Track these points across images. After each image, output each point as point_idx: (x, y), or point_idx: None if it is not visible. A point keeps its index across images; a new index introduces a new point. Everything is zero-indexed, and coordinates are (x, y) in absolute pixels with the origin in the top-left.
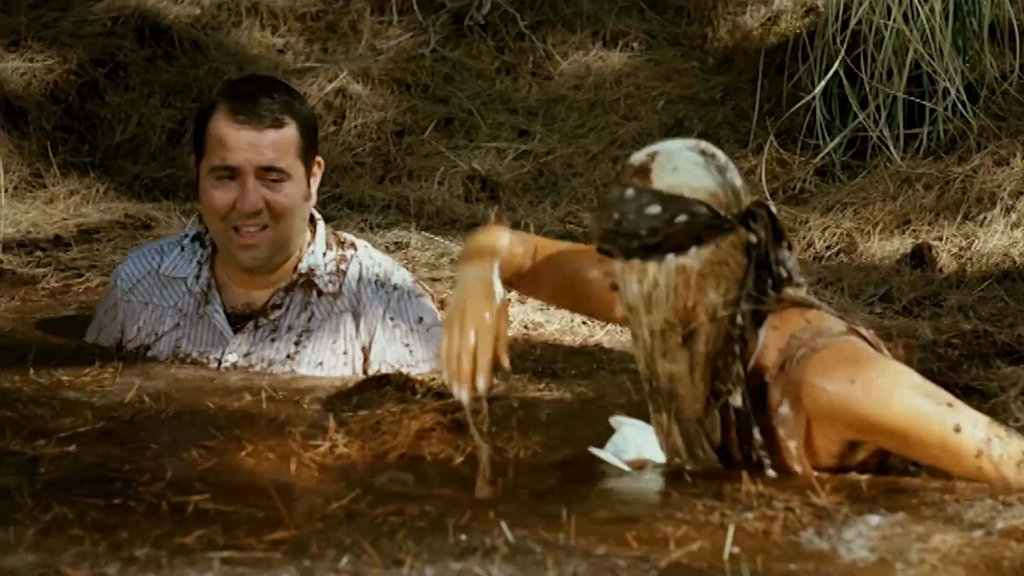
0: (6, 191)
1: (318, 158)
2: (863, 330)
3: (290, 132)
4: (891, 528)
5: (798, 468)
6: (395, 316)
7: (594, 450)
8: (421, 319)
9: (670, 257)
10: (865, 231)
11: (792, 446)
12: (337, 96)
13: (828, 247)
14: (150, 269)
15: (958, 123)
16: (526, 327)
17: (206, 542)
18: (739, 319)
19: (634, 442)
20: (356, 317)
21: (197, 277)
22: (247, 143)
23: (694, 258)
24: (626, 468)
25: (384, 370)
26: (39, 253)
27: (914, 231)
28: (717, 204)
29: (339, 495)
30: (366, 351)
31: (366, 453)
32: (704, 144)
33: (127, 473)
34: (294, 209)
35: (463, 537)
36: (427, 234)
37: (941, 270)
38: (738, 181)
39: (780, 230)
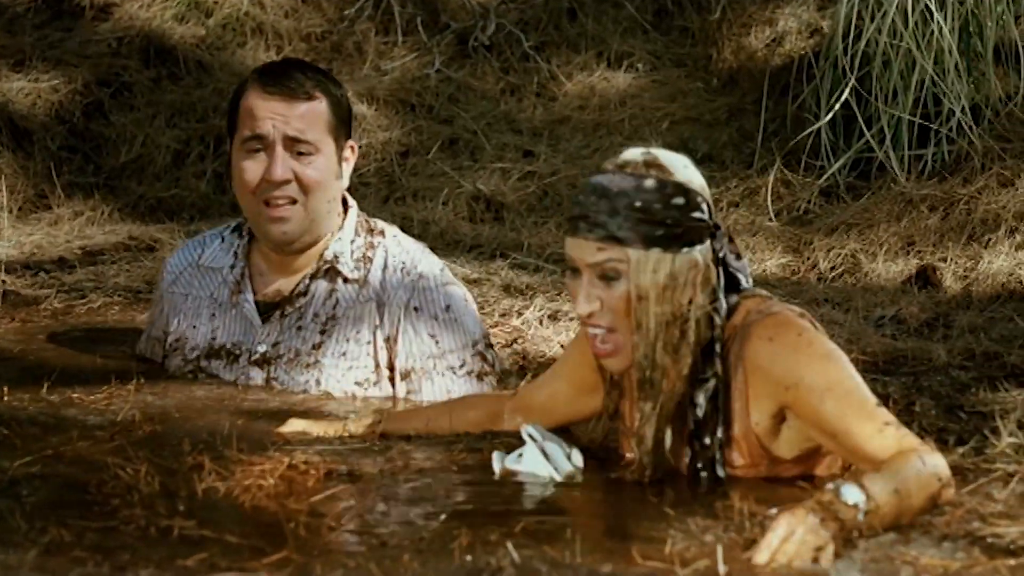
0: (11, 212)
1: (351, 143)
2: (816, 324)
3: (320, 106)
4: (880, 550)
5: (739, 458)
6: (420, 306)
7: (495, 456)
8: (448, 307)
9: (686, 250)
10: (870, 252)
11: (738, 423)
12: None
13: (832, 268)
14: (191, 261)
15: (963, 144)
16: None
17: (208, 565)
18: (717, 319)
19: (532, 454)
20: (380, 306)
21: (232, 267)
22: (276, 112)
23: (700, 255)
24: (496, 474)
25: (412, 364)
26: (43, 275)
27: (919, 252)
28: (712, 208)
29: (335, 518)
30: (390, 343)
31: (355, 476)
32: None
33: (105, 495)
34: (323, 184)
35: (468, 558)
36: None
37: (946, 291)
38: None
39: (732, 240)
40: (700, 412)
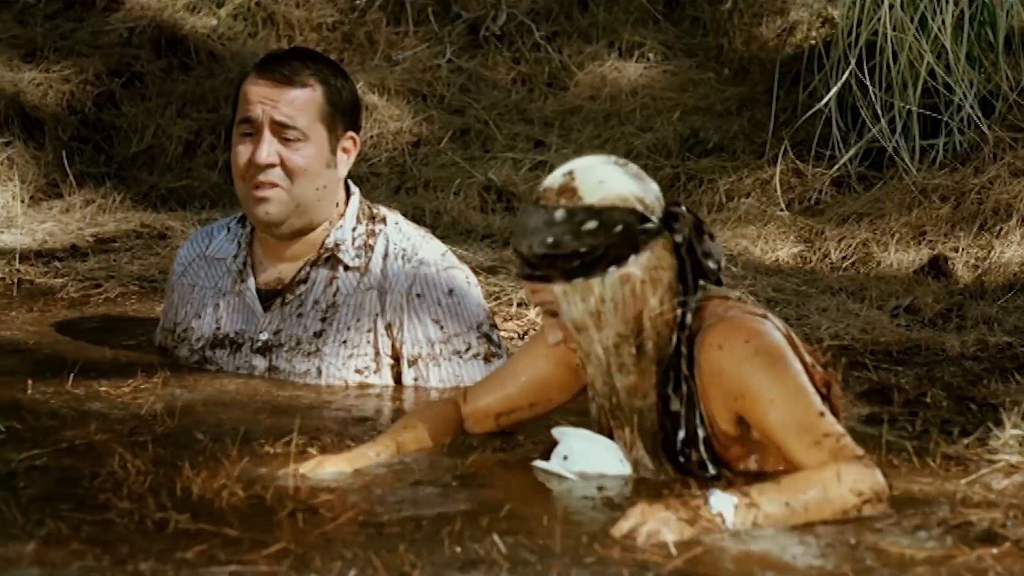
0: (22, 201)
1: (352, 134)
2: (779, 322)
3: (311, 94)
4: (839, 535)
5: (727, 451)
6: (422, 292)
7: (540, 463)
8: (451, 291)
9: (612, 269)
10: (881, 242)
11: (712, 424)
12: None
13: (844, 258)
14: (199, 252)
15: (973, 135)
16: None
17: (208, 557)
18: (679, 317)
19: (581, 453)
20: (381, 294)
21: (235, 256)
22: (264, 96)
23: (635, 266)
24: (573, 478)
25: (418, 351)
26: (56, 263)
27: (930, 242)
28: (645, 209)
29: (332, 510)
30: (391, 330)
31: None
32: (613, 156)
33: (101, 489)
34: (310, 172)
35: (458, 549)
36: None
37: (957, 281)
38: (654, 185)
39: (700, 223)
40: (679, 419)
